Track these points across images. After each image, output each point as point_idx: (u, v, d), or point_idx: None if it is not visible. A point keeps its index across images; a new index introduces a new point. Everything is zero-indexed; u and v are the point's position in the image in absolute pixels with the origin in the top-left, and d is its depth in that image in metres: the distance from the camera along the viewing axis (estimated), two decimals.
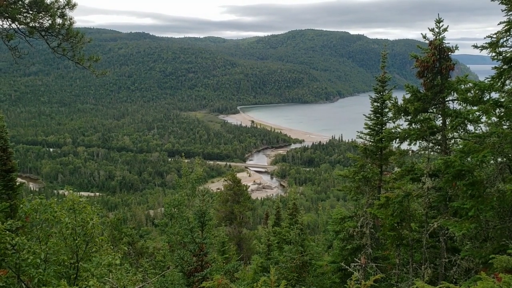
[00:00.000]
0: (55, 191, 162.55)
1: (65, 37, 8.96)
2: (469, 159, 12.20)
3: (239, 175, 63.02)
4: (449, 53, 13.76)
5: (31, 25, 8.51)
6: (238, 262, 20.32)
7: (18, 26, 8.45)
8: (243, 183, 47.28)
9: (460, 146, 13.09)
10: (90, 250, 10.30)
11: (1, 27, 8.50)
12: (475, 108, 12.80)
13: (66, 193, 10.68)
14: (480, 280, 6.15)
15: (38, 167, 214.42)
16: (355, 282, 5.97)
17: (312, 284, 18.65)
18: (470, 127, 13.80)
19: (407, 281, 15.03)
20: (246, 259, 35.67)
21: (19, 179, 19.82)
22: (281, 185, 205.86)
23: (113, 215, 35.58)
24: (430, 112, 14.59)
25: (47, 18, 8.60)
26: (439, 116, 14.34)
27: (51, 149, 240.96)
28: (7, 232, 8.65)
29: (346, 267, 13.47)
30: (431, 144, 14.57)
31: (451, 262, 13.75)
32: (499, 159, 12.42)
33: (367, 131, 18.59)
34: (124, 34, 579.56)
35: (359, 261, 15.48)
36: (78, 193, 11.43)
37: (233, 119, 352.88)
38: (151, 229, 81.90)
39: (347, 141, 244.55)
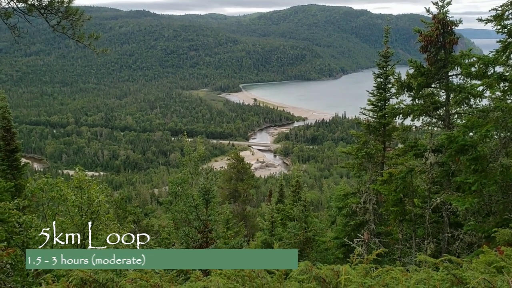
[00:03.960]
0: (59, 171, 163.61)
1: (64, 14, 8.87)
2: (472, 134, 12.17)
3: (242, 153, 63.25)
4: (453, 27, 13.58)
5: (29, 2, 8.42)
6: (242, 238, 20.56)
7: (16, 3, 8.37)
8: (246, 162, 47.47)
9: (464, 121, 13.04)
10: (96, 228, 10.43)
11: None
12: (479, 82, 12.69)
13: (71, 172, 10.81)
14: (483, 254, 6.20)
15: (42, 147, 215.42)
16: (358, 256, 6.02)
17: (315, 260, 18.87)
18: (474, 102, 13.72)
19: (410, 256, 15.19)
20: (250, 236, 36.07)
21: (23, 159, 19.95)
22: (284, 163, 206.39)
23: (118, 194, 35.86)
24: (434, 87, 14.49)
25: None
26: (443, 91, 14.25)
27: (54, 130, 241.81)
28: (14, 210, 8.76)
29: (349, 242, 13.63)
30: (434, 120, 14.52)
31: (453, 237, 13.87)
32: (503, 134, 12.37)
33: (370, 107, 18.51)
34: (125, 12, 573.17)
35: (362, 237, 15.65)
36: (84, 172, 11.50)
37: (236, 98, 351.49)
38: (156, 208, 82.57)
39: (350, 118, 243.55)
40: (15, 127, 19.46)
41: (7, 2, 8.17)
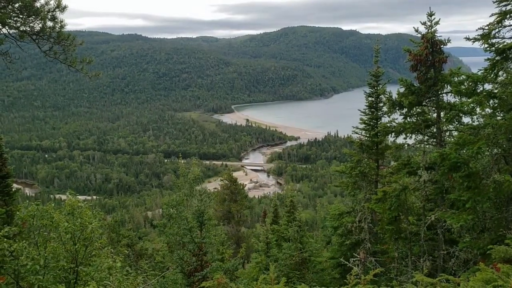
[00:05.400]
0: (51, 195, 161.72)
1: (56, 40, 8.89)
2: (464, 151, 12.24)
3: (235, 174, 63.14)
4: (442, 46, 13.79)
5: (21, 29, 8.44)
6: (237, 261, 20.34)
7: (8, 30, 8.38)
8: (239, 182, 47.27)
9: (455, 138, 13.13)
10: (89, 254, 10.23)
11: None
12: (469, 100, 12.83)
13: (63, 197, 10.62)
14: (479, 271, 6.17)
15: (33, 172, 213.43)
16: (355, 277, 5.97)
17: (312, 281, 18.67)
18: (465, 119, 13.84)
19: (406, 274, 15.07)
20: (246, 258, 35.70)
21: (14, 185, 19.72)
22: (278, 182, 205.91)
23: (111, 218, 35.49)
24: (425, 105, 14.62)
25: (37, 22, 8.53)
26: (434, 109, 14.38)
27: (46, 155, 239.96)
28: (5, 238, 8.60)
29: (345, 262, 13.49)
30: (426, 137, 14.61)
31: (449, 254, 13.81)
32: (495, 150, 12.47)
33: (362, 126, 18.59)
34: (116, 36, 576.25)
35: (358, 256, 15.52)
36: (76, 196, 11.32)
37: (228, 118, 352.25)
38: (150, 231, 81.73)
39: (342, 136, 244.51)
40: (6, 153, 19.29)
41: None
